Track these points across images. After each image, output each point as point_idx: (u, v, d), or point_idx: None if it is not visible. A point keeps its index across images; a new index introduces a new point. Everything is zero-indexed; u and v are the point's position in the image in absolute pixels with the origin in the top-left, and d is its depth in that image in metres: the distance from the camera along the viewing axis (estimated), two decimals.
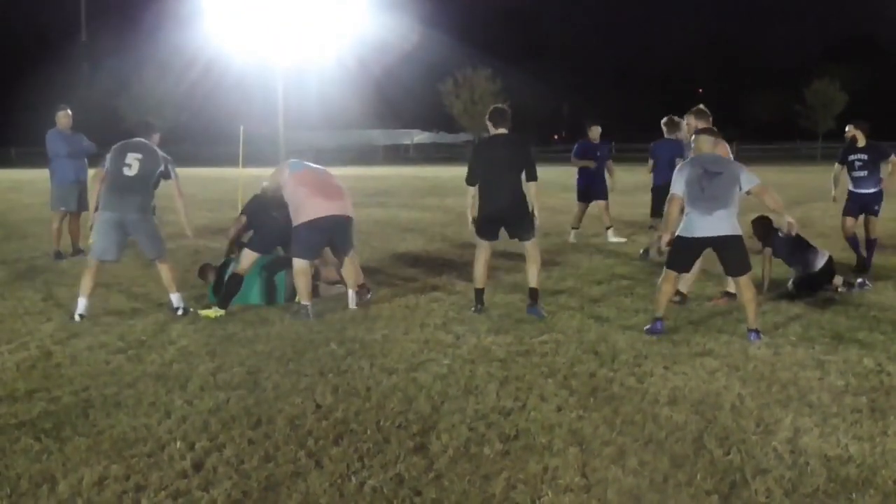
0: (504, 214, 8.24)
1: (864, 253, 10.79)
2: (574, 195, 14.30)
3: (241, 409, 5.51)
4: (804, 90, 71.96)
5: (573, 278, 10.22)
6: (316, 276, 9.04)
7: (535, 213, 8.24)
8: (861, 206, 10.79)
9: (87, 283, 8.20)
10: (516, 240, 8.39)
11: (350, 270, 8.67)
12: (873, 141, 10.87)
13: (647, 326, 7.55)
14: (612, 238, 13.73)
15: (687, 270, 7.77)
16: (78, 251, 12.02)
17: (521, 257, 8.51)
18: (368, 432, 5.09)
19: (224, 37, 58.12)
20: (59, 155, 12.22)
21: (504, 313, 8.28)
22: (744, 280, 7.29)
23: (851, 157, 10.84)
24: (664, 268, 7.59)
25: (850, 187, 10.93)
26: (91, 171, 9.27)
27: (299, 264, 8.25)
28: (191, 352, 6.93)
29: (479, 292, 8.45)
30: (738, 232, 7.28)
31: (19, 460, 4.66)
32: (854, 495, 4.21)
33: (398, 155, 68.36)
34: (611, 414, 5.39)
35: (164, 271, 8.43)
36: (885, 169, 10.89)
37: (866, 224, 10.83)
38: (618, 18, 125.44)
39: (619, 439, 4.96)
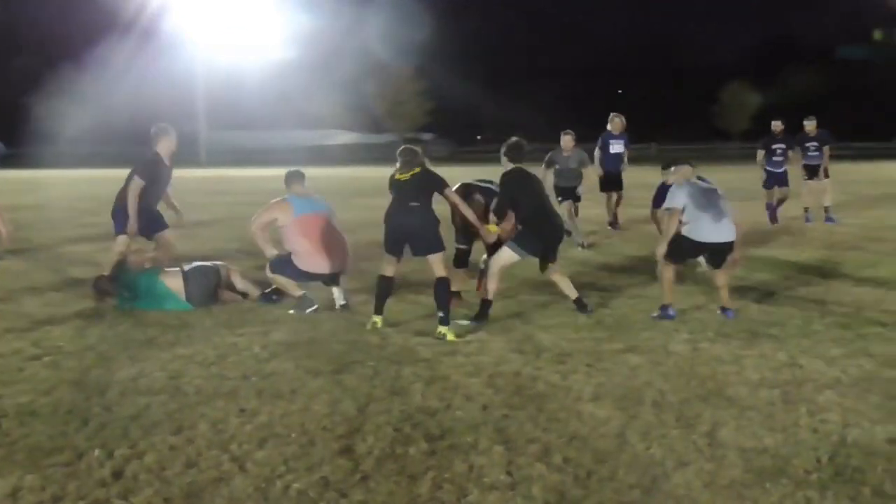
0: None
1: None
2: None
3: (163, 414, 5.43)
4: (720, 91, 73.51)
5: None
6: (221, 284, 9.02)
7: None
8: None
9: None
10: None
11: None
12: None
13: (656, 314, 8.02)
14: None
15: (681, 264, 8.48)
16: None
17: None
18: (293, 435, 5.05)
19: (145, 34, 57.17)
20: None
21: (430, 313, 8.28)
22: (721, 270, 8.19)
23: None
24: (664, 259, 8.15)
25: None
26: None
27: (273, 276, 8.72)
28: (110, 357, 6.79)
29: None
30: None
31: None
32: (768, 485, 4.32)
33: (322, 155, 67.85)
34: (535, 412, 5.44)
35: None
36: None
37: None
38: (542, 16, 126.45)
39: (544, 437, 5.01)
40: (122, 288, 8.68)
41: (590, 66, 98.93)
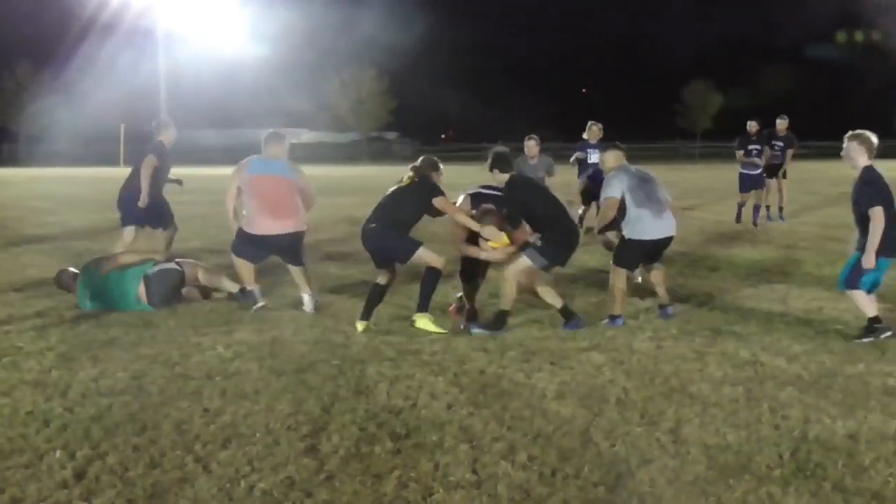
0: None
1: None
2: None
3: (126, 415, 5.37)
4: (682, 90, 74.23)
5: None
6: (186, 282, 8.92)
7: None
8: None
9: None
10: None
11: (301, 276, 8.56)
12: None
13: (606, 321, 7.82)
14: None
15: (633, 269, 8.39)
16: None
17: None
18: (258, 435, 5.02)
19: (105, 31, 56.56)
20: None
21: (394, 314, 8.28)
22: (655, 268, 8.22)
23: None
24: (616, 267, 7.94)
25: None
26: None
27: (234, 258, 8.61)
28: (71, 358, 6.71)
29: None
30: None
31: None
32: (732, 481, 4.36)
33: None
34: (500, 410, 5.45)
35: None
36: None
37: None
38: (505, 16, 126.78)
39: (509, 435, 5.02)
40: (85, 288, 8.57)
41: (554, 65, 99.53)
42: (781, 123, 16.75)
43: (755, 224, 15.93)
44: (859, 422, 5.21)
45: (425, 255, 7.64)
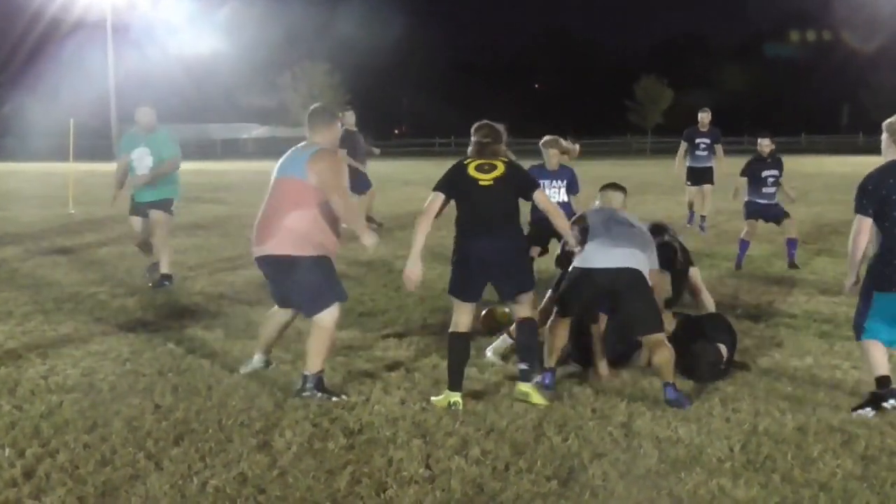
0: None
1: None
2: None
3: (76, 412, 5.30)
4: (634, 86, 74.80)
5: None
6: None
7: None
8: None
9: None
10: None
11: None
12: None
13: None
14: None
15: None
16: None
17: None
18: (210, 431, 4.99)
19: (53, 25, 55.66)
20: None
21: (347, 307, 8.24)
22: None
23: None
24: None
25: None
26: None
27: None
28: (20, 355, 6.60)
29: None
30: None
31: None
32: (683, 474, 4.42)
33: (236, 149, 66.91)
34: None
35: None
36: None
37: None
38: (459, 12, 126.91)
39: (462, 429, 5.04)
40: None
41: (506, 61, 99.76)
42: (704, 117, 14.40)
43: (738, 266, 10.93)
44: (808, 415, 5.30)
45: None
